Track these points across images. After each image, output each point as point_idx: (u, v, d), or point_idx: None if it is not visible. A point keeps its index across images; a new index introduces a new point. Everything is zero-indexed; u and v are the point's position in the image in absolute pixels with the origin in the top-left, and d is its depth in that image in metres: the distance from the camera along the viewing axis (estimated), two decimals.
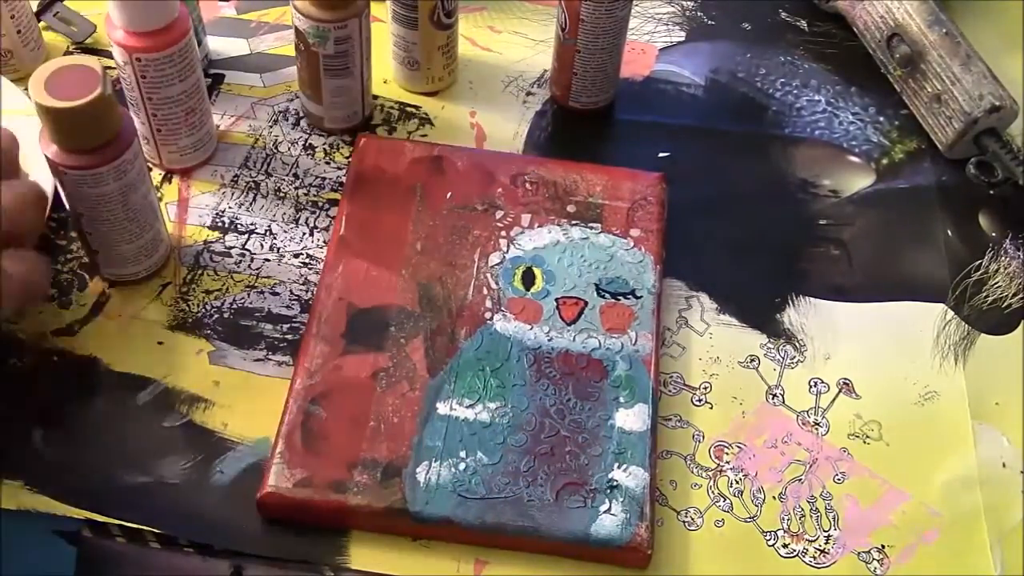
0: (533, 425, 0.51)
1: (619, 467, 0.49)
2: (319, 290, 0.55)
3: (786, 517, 0.51)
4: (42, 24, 0.66)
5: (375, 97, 0.66)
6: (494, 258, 0.57)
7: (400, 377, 0.52)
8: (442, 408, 0.51)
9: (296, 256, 0.58)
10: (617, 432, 0.51)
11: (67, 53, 0.66)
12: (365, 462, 0.49)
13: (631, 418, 0.51)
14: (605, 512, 0.48)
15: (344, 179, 0.62)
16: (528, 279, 0.56)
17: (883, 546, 0.50)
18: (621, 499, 0.49)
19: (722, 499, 0.51)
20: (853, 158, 0.66)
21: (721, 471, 0.52)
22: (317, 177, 0.62)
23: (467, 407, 0.51)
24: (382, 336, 0.53)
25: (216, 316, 0.56)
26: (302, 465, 0.48)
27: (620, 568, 0.48)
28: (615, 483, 0.49)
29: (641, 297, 0.55)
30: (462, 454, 0.49)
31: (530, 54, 0.70)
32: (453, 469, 0.49)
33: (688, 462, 0.52)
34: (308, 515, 0.48)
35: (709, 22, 0.73)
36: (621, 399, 0.52)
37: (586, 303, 0.55)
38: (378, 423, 0.50)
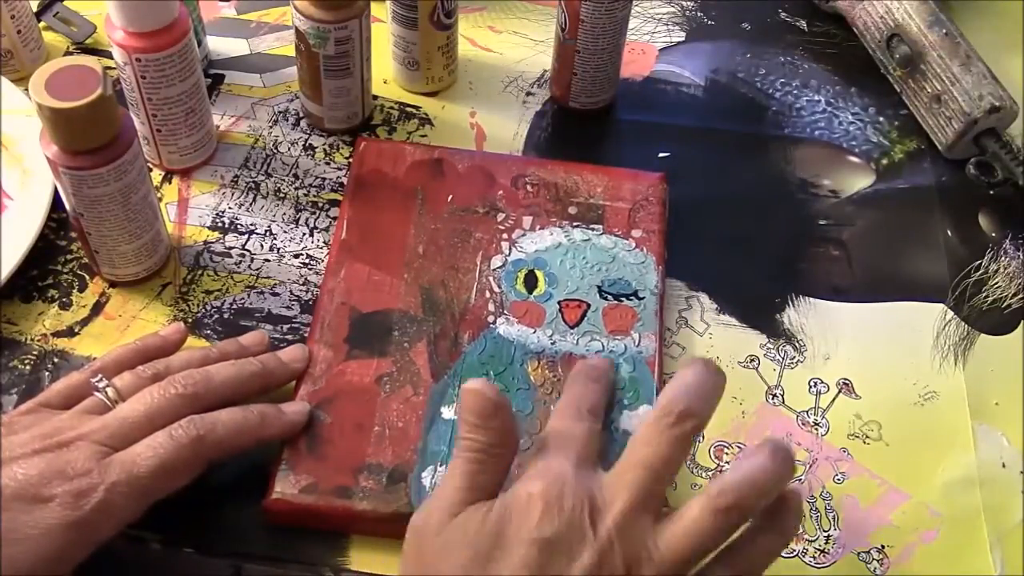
0: (537, 429, 0.51)
1: None
2: (321, 295, 0.55)
3: None
4: (42, 24, 0.66)
5: (375, 97, 0.66)
6: (496, 261, 0.56)
7: (404, 382, 0.52)
8: (446, 412, 0.51)
9: (296, 256, 0.58)
10: (621, 435, 0.50)
11: (67, 53, 0.66)
12: (370, 467, 0.49)
13: (635, 420, 0.51)
14: None
15: (344, 180, 0.61)
16: (530, 282, 0.56)
17: (883, 546, 0.51)
18: None
19: None
20: (853, 158, 0.66)
21: (721, 471, 0.52)
22: (317, 178, 0.62)
23: None
24: (385, 341, 0.53)
25: (216, 316, 0.56)
26: (307, 471, 0.48)
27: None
28: None
29: (644, 298, 0.55)
30: None
31: (530, 54, 0.70)
32: None
33: (688, 462, 0.52)
34: (314, 520, 0.48)
35: (709, 22, 0.73)
36: (625, 401, 0.52)
37: (589, 305, 0.55)
38: (383, 428, 0.50)
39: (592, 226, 0.58)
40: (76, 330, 0.55)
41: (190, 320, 0.55)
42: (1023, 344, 0.58)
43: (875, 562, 0.50)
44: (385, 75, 0.67)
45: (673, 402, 0.42)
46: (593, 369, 0.50)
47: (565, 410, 0.47)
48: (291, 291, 0.57)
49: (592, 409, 0.47)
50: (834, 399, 0.55)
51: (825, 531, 0.51)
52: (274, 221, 0.60)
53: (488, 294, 0.55)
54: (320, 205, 0.61)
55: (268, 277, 0.57)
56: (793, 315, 0.58)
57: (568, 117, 0.66)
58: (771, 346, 0.57)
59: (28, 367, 0.53)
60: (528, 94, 0.67)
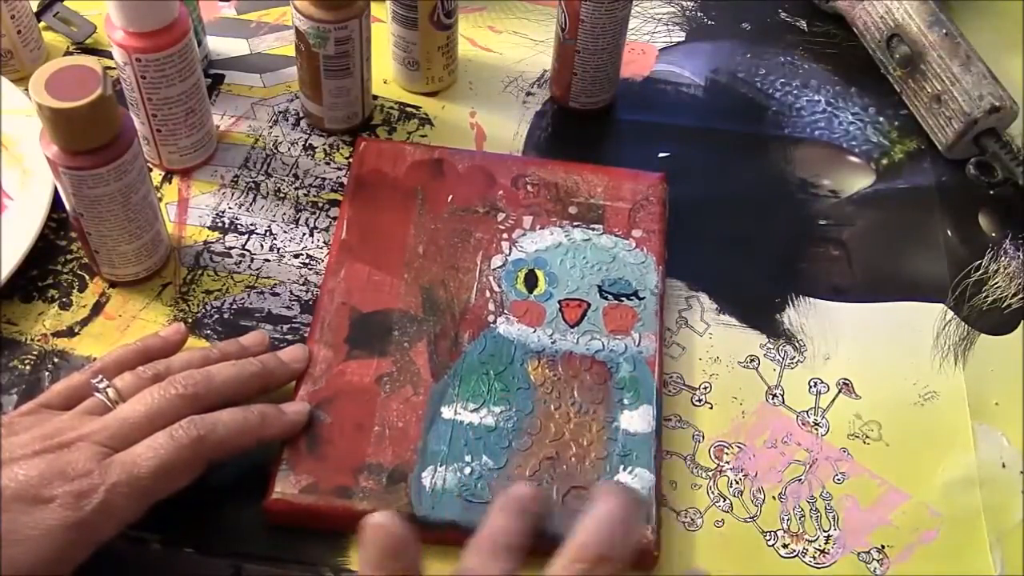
0: (538, 428, 0.51)
1: (625, 469, 0.49)
2: (321, 295, 0.55)
3: (786, 517, 0.51)
4: (42, 24, 0.66)
5: (375, 97, 0.66)
6: (496, 261, 0.56)
7: (404, 382, 0.52)
8: (447, 412, 0.51)
9: (296, 256, 0.58)
10: (622, 434, 0.51)
11: (67, 53, 0.66)
12: (370, 467, 0.49)
13: (636, 420, 0.51)
14: None
15: (344, 180, 0.61)
16: (531, 281, 0.56)
17: (883, 546, 0.51)
18: None
19: (722, 499, 0.51)
20: (853, 158, 0.66)
21: (721, 471, 0.52)
22: (317, 178, 0.62)
23: (472, 411, 0.51)
24: (385, 341, 0.53)
25: (216, 316, 0.56)
26: (308, 471, 0.48)
27: (626, 570, 0.48)
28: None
29: (644, 298, 0.55)
30: (467, 458, 0.49)
31: (530, 54, 0.70)
32: (458, 473, 0.49)
33: (688, 462, 0.52)
34: (314, 521, 0.48)
35: (709, 22, 0.73)
36: (625, 401, 0.52)
37: (589, 305, 0.55)
38: (383, 428, 0.50)
39: (592, 226, 0.58)
40: (76, 330, 0.55)
41: (190, 320, 0.55)
42: (1023, 344, 0.58)
43: (875, 562, 0.50)
44: (385, 75, 0.67)
45: (585, 547, 0.40)
46: (523, 500, 0.45)
47: (483, 545, 0.43)
48: (291, 291, 0.57)
49: (511, 548, 0.43)
50: (834, 399, 0.55)
51: (825, 531, 0.51)
52: (274, 221, 0.60)
53: (488, 294, 0.55)
54: (320, 205, 0.61)
55: (268, 277, 0.57)
56: (793, 315, 0.58)
57: (568, 117, 0.66)
58: (771, 346, 0.57)
59: (28, 367, 0.53)
60: (528, 94, 0.67)
